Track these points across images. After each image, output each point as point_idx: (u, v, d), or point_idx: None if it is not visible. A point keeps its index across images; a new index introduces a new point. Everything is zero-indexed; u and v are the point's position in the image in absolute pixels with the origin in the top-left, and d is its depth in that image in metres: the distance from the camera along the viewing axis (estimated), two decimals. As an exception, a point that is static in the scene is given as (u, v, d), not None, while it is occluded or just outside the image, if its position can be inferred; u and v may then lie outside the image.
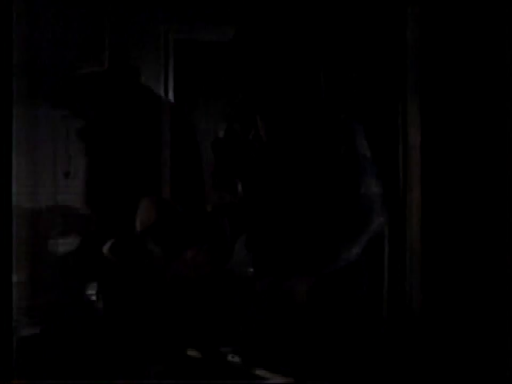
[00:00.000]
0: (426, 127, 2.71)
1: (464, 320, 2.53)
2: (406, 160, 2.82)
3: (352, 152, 2.35)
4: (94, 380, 2.30)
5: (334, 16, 2.86)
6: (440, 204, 2.67)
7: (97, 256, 2.86)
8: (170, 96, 3.35)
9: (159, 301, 2.91)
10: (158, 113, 3.29)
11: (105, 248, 2.53)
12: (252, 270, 2.55)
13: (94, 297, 3.00)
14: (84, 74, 3.25)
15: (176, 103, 3.35)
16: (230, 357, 2.62)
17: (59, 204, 3.22)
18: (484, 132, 2.57)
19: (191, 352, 2.64)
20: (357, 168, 2.35)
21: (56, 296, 2.99)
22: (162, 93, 3.32)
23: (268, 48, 2.41)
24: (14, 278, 2.27)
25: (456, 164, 2.67)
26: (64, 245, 3.19)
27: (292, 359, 2.58)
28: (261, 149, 2.51)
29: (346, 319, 2.57)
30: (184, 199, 3.24)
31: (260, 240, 2.54)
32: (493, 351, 2.43)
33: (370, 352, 2.60)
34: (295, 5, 2.65)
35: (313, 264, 2.41)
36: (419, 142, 2.74)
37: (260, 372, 2.58)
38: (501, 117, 2.48)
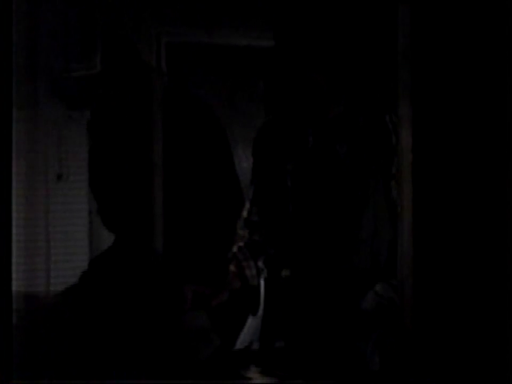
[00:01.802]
0: (418, 129, 2.71)
1: (460, 323, 2.54)
2: (398, 162, 2.82)
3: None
4: (94, 379, 2.31)
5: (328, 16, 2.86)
6: (432, 206, 2.68)
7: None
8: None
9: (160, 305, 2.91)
10: (151, 114, 3.29)
11: None
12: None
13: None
14: (75, 77, 3.25)
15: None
16: None
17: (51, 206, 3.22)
18: (477, 134, 2.57)
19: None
20: None
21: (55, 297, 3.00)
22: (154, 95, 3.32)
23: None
24: (14, 278, 2.28)
25: (448, 166, 2.68)
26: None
27: (279, 359, 2.59)
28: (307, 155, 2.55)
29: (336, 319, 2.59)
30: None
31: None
32: (490, 354, 2.44)
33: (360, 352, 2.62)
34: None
35: None
36: (411, 144, 2.74)
37: (244, 372, 2.58)
38: (495, 118, 2.50)
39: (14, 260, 2.47)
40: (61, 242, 3.27)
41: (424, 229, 2.57)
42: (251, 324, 2.74)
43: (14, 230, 2.49)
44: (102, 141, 3.30)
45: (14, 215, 2.48)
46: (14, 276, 2.48)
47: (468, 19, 2.57)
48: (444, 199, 2.58)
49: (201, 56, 3.38)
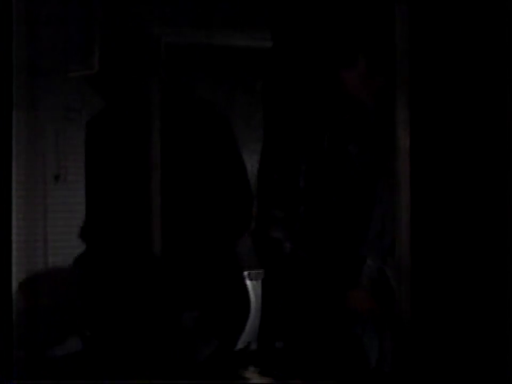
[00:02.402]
0: (416, 129, 2.72)
1: (458, 321, 2.54)
2: (395, 162, 2.83)
3: None
4: (94, 379, 2.31)
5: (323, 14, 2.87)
6: (430, 207, 2.68)
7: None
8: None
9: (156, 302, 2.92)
10: (148, 117, 3.30)
11: None
12: None
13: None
14: (74, 77, 3.25)
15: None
16: None
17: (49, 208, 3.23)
18: (475, 135, 2.58)
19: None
20: None
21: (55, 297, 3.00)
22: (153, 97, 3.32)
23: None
24: (13, 278, 2.28)
25: (446, 167, 2.69)
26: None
27: (273, 359, 2.60)
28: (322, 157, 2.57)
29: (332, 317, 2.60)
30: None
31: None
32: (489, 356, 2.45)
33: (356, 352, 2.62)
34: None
35: None
36: (408, 144, 2.75)
37: (242, 372, 2.59)
38: (492, 119, 2.50)
39: (13, 259, 2.47)
40: (59, 243, 3.27)
41: (422, 227, 2.58)
42: (250, 324, 2.75)
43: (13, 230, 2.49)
44: (100, 142, 3.30)
45: (13, 215, 2.48)
46: (13, 275, 2.48)
47: (466, 22, 2.58)
48: (441, 199, 2.59)
49: (200, 57, 3.38)
